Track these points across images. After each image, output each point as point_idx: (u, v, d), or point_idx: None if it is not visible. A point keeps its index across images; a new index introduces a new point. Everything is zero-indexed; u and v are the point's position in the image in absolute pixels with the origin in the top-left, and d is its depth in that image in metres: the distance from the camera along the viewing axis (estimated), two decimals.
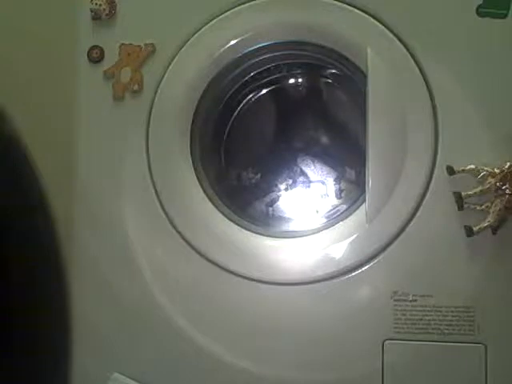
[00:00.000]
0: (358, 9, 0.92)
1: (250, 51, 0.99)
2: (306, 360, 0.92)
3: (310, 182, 1.07)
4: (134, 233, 0.97)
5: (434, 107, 0.89)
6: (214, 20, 0.97)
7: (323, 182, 1.06)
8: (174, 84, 0.97)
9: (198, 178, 0.98)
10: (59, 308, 0.43)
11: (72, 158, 1.00)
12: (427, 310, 0.89)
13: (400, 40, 0.91)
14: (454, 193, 0.87)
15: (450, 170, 0.88)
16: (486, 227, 0.86)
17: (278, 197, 1.07)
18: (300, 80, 1.10)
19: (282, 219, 1.05)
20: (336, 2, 0.93)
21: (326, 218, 0.99)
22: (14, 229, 0.40)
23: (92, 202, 0.99)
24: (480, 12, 0.88)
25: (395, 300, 0.89)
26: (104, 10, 0.98)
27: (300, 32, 0.96)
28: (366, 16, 0.92)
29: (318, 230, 0.95)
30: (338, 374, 0.91)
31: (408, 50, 0.91)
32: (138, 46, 0.97)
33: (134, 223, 0.98)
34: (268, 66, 1.05)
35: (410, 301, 0.89)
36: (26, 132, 0.42)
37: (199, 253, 0.95)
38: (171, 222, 0.96)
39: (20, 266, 0.41)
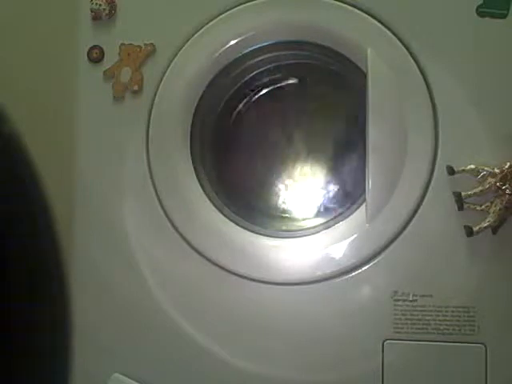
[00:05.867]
0: (358, 9, 0.92)
1: (249, 51, 0.99)
2: (306, 360, 0.92)
3: (310, 182, 1.07)
4: (134, 233, 0.97)
5: (434, 107, 0.90)
6: (214, 20, 0.97)
7: (323, 182, 1.06)
8: (174, 84, 0.97)
9: (198, 178, 0.98)
10: (59, 308, 0.43)
11: (72, 157, 1.00)
12: (427, 309, 0.89)
13: (400, 40, 0.91)
14: (454, 193, 0.87)
15: (450, 170, 0.88)
16: (486, 227, 0.86)
17: (278, 197, 1.07)
18: (300, 80, 1.10)
19: (282, 219, 1.04)
20: (336, 2, 0.93)
21: (326, 218, 0.99)
22: (14, 229, 0.40)
23: (92, 202, 0.99)
24: (480, 12, 0.88)
25: (395, 300, 0.89)
26: (104, 9, 0.98)
27: (300, 32, 0.96)
28: (366, 16, 0.92)
29: (318, 230, 0.95)
30: (337, 373, 0.91)
31: (408, 50, 0.91)
32: (138, 46, 0.97)
33: (133, 223, 0.98)
34: (268, 66, 1.05)
35: (410, 301, 0.89)
36: (25, 132, 0.42)
37: (199, 253, 0.95)
38: (171, 222, 0.96)
39: (20, 267, 0.41)
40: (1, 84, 0.92)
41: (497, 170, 0.85)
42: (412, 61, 0.90)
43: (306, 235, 0.95)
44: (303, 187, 1.07)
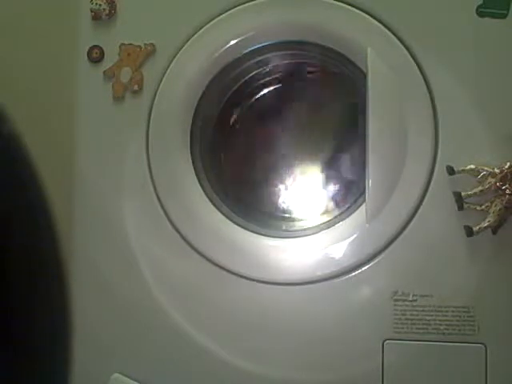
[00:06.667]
0: (358, 9, 0.92)
1: (250, 51, 0.99)
2: (306, 360, 0.92)
3: (311, 182, 1.07)
4: (134, 233, 0.97)
5: (434, 107, 0.90)
6: (214, 20, 0.97)
7: (323, 182, 1.06)
8: (174, 84, 0.97)
9: (198, 177, 0.98)
10: (59, 308, 0.43)
11: (72, 157, 1.00)
12: (427, 309, 0.89)
13: (400, 40, 0.91)
14: (454, 193, 0.87)
15: (450, 170, 0.88)
16: (486, 227, 0.86)
17: (278, 197, 1.07)
18: (300, 80, 1.10)
19: (282, 219, 1.04)
20: (336, 2, 0.93)
21: (326, 218, 0.99)
22: (14, 229, 0.40)
23: (92, 201, 0.99)
24: (480, 12, 0.88)
25: (395, 300, 0.89)
26: (104, 10, 0.98)
27: (300, 32, 0.96)
28: (366, 16, 0.92)
29: (318, 230, 0.95)
30: (337, 373, 0.91)
31: (408, 50, 0.91)
32: (138, 46, 0.97)
33: (133, 223, 0.98)
34: (268, 66, 1.05)
35: (410, 301, 0.89)
36: (25, 132, 0.42)
37: (199, 253, 0.95)
38: (171, 222, 0.96)
39: (20, 266, 0.41)
40: (1, 84, 0.92)
41: (497, 170, 0.85)
42: (412, 61, 0.90)
43: (306, 235, 0.95)
44: (303, 187, 1.07)
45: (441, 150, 0.89)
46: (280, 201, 1.07)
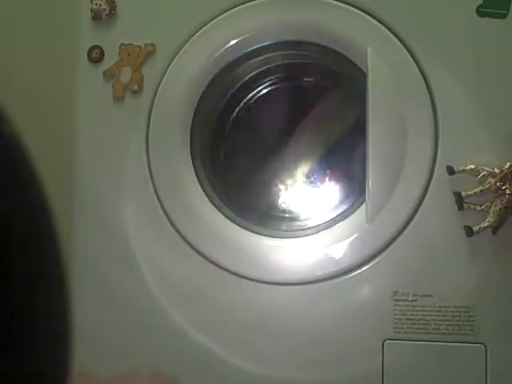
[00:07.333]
0: (358, 9, 0.93)
1: (249, 51, 0.99)
2: (306, 360, 0.92)
3: (310, 182, 1.07)
4: (134, 233, 0.97)
5: (434, 107, 0.90)
6: (214, 20, 0.97)
7: (323, 182, 1.06)
8: (174, 84, 0.97)
9: (197, 177, 0.98)
10: (59, 308, 0.43)
11: (72, 157, 1.00)
12: (427, 309, 0.89)
13: (400, 40, 0.91)
14: (454, 193, 0.87)
15: (450, 170, 0.88)
16: (486, 227, 0.86)
17: (278, 197, 1.07)
18: (300, 80, 1.10)
19: (281, 219, 1.04)
20: (336, 2, 0.93)
21: (326, 218, 0.99)
22: (14, 229, 0.40)
23: (92, 201, 0.99)
24: (480, 12, 0.88)
25: (395, 300, 0.89)
26: (104, 10, 0.98)
27: (300, 32, 0.96)
28: (366, 16, 0.92)
29: (318, 230, 0.95)
30: (337, 373, 0.91)
31: (408, 49, 0.91)
32: (138, 46, 0.97)
33: (133, 223, 0.98)
34: (268, 66, 1.05)
35: (410, 301, 0.89)
36: (26, 132, 0.42)
37: (199, 253, 0.95)
38: (171, 222, 0.96)
39: (20, 267, 0.41)
40: (1, 84, 0.92)
41: (497, 170, 0.85)
42: (412, 61, 0.90)
43: (306, 235, 0.95)
44: (303, 187, 1.07)
45: (441, 150, 0.89)
46: (280, 201, 1.07)
